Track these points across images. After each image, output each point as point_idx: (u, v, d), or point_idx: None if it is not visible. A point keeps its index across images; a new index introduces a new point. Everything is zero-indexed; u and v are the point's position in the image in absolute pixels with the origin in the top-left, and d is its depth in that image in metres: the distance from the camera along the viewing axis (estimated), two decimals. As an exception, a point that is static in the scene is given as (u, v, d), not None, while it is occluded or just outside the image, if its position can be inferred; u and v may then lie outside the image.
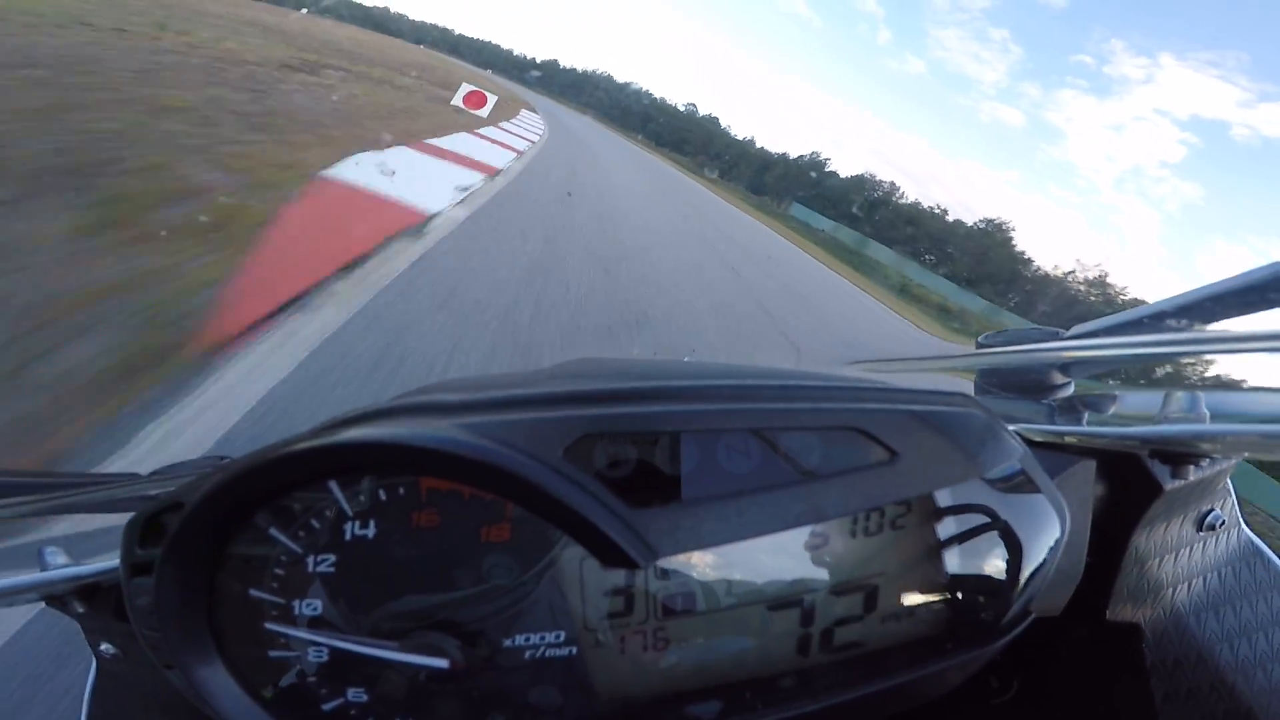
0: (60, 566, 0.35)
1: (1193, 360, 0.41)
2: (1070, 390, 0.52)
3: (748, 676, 0.35)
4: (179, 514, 0.27)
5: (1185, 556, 0.41)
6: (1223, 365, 0.41)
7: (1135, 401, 0.48)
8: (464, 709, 0.32)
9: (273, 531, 0.29)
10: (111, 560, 0.34)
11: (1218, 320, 0.43)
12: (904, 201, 64.71)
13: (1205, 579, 0.41)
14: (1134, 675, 0.39)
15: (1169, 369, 0.51)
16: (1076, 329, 0.52)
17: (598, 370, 0.36)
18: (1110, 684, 0.41)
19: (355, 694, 0.31)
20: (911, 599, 0.36)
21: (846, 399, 0.30)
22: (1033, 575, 0.35)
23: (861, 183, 66.92)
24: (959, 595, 0.36)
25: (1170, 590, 0.40)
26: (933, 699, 0.36)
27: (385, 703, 0.31)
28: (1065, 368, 0.51)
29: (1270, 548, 0.43)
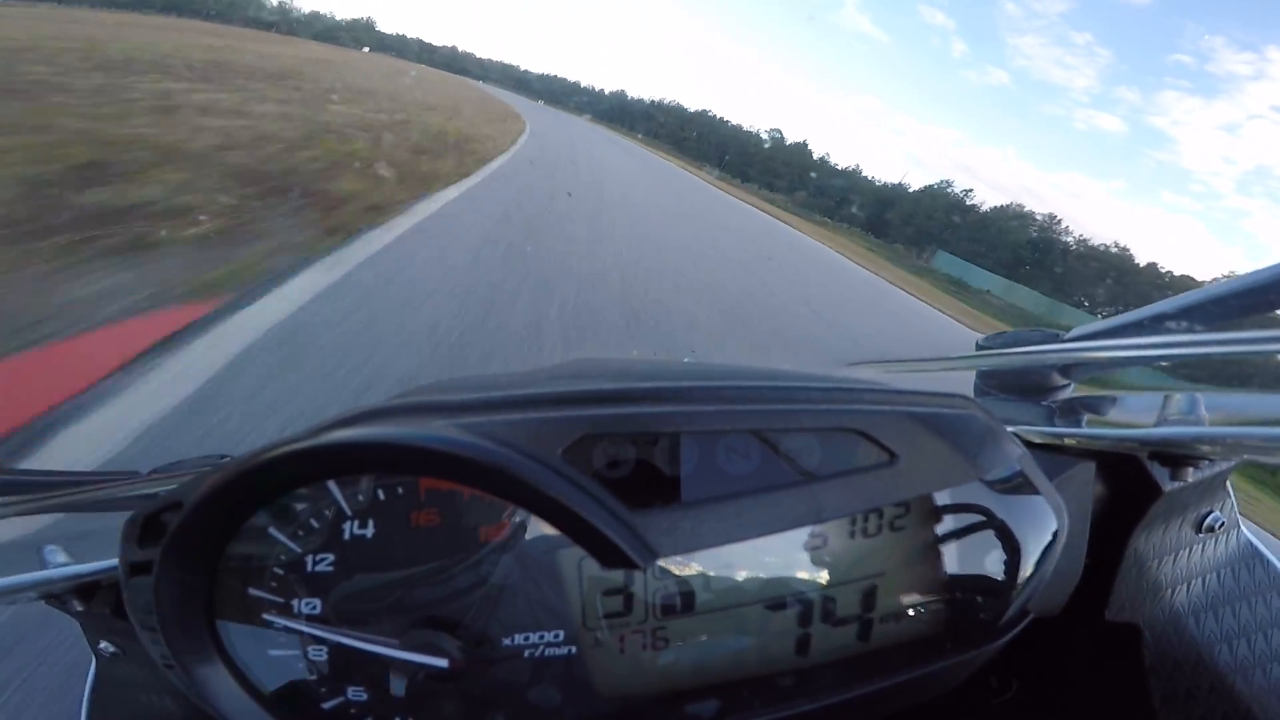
0: (60, 565, 0.35)
1: (1193, 362, 0.41)
2: (1070, 392, 0.52)
3: (746, 676, 0.35)
4: (178, 513, 0.27)
5: (1184, 558, 0.41)
6: (1223, 367, 0.41)
7: (1135, 403, 0.48)
8: (463, 708, 0.32)
9: (272, 531, 0.29)
10: (111, 559, 0.34)
11: (1218, 322, 0.43)
12: (1069, 240, 49.25)
13: (1204, 580, 0.41)
14: (1133, 676, 0.39)
15: (1169, 371, 0.51)
16: (1076, 331, 0.52)
17: (597, 370, 0.36)
18: (1109, 684, 0.41)
19: (355, 693, 0.31)
20: (910, 599, 0.36)
21: (846, 400, 0.30)
22: (1031, 576, 0.35)
23: (1010, 217, 51.06)
24: (957, 595, 0.36)
25: (1169, 591, 0.40)
26: (931, 699, 0.36)
27: (384, 702, 0.31)
28: (1065, 370, 0.51)
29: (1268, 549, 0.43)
